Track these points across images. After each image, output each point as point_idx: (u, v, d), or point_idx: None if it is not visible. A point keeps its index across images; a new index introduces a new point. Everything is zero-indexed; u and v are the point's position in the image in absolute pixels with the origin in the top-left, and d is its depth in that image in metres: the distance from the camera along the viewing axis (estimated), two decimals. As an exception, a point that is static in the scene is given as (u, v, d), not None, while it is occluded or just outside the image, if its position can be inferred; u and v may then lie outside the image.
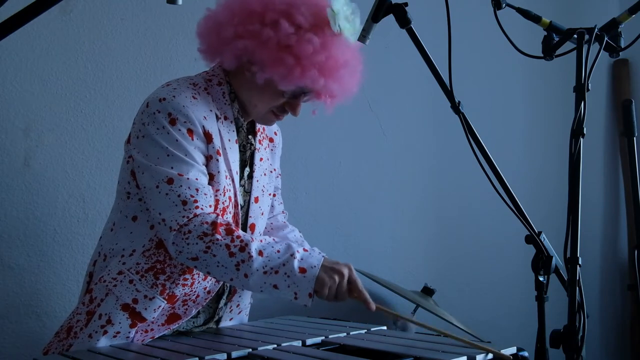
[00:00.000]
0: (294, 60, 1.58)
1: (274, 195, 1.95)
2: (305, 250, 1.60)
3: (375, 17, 1.50)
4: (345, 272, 1.60)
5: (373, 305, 1.62)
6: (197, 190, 1.58)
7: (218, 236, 1.54)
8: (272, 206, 1.96)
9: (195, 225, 1.55)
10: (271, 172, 1.87)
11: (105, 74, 2.24)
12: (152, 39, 2.33)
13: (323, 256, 1.60)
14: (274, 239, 1.62)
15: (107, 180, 2.20)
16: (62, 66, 2.16)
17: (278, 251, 1.57)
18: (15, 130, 2.09)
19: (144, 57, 2.31)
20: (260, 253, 1.55)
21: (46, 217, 2.14)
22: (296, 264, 1.55)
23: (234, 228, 1.58)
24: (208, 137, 1.63)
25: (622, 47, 1.71)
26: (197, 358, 1.48)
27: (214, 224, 1.55)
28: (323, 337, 1.71)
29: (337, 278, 1.58)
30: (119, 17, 2.26)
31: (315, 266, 1.56)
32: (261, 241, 1.58)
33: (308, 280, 1.55)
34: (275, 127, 1.92)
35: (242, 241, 1.55)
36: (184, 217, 1.56)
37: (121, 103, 2.25)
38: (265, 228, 1.96)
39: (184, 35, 2.37)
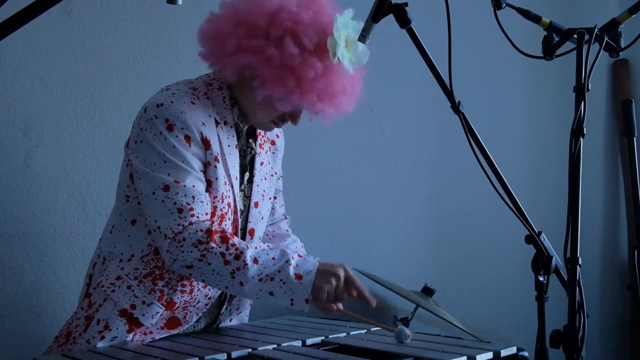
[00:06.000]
0: (295, 82, 1.57)
1: (275, 197, 1.94)
2: (300, 256, 1.59)
3: (375, 17, 1.49)
4: (341, 273, 1.60)
5: (374, 302, 1.63)
6: (193, 197, 1.57)
7: (213, 244, 1.54)
8: (273, 208, 1.95)
9: (189, 233, 1.55)
10: (272, 175, 1.86)
11: (105, 74, 2.24)
12: (152, 39, 2.33)
13: (318, 260, 1.60)
14: (268, 246, 1.62)
15: (107, 180, 2.20)
16: (62, 66, 2.16)
17: (273, 258, 1.57)
18: (15, 130, 2.09)
19: (144, 57, 2.31)
20: (255, 260, 1.55)
21: (46, 217, 2.14)
22: (292, 270, 1.55)
23: (228, 236, 1.57)
24: (206, 144, 1.62)
25: (622, 47, 1.70)
26: (197, 358, 1.48)
27: (208, 232, 1.55)
28: (323, 337, 1.71)
29: (334, 281, 1.58)
30: (119, 17, 2.26)
31: (310, 271, 1.56)
32: (256, 248, 1.58)
33: (304, 287, 1.55)
34: (277, 129, 1.91)
35: (237, 249, 1.55)
36: (179, 225, 1.55)
37: (121, 103, 2.25)
38: (267, 235, 1.95)
39: (184, 35, 2.37)
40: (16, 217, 2.09)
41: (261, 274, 1.55)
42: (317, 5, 1.62)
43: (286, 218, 2.03)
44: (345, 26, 1.59)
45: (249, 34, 1.58)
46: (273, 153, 1.88)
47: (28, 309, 2.10)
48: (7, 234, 2.08)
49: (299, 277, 1.55)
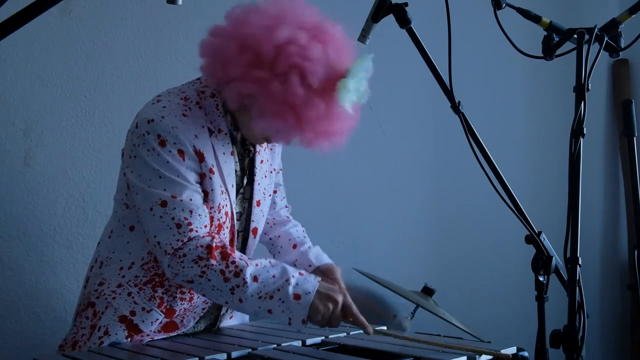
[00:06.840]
0: (295, 120, 1.53)
1: (275, 192, 1.95)
2: (300, 274, 1.59)
3: (375, 17, 1.49)
4: (340, 299, 1.59)
5: (371, 329, 1.63)
6: (191, 212, 1.56)
7: (213, 261, 1.54)
8: (274, 202, 1.96)
9: (190, 249, 1.55)
10: (271, 172, 1.86)
11: (105, 74, 2.24)
12: (152, 39, 2.33)
13: (318, 281, 1.59)
14: (270, 262, 1.60)
15: (107, 180, 2.20)
16: (62, 66, 2.16)
17: (273, 276, 1.56)
18: (15, 130, 2.09)
19: (144, 57, 2.31)
20: (255, 279, 1.55)
21: (46, 217, 2.14)
22: (291, 290, 1.55)
23: (229, 252, 1.57)
24: (200, 156, 1.60)
25: (622, 47, 1.70)
26: (197, 358, 1.48)
27: (209, 248, 1.54)
28: (323, 337, 1.71)
29: (331, 306, 1.57)
30: (119, 17, 2.26)
31: (309, 292, 1.56)
32: (257, 265, 1.57)
33: (302, 307, 1.55)
34: None
35: (236, 267, 1.55)
36: (178, 240, 1.55)
37: (121, 103, 2.25)
38: (268, 224, 1.95)
39: (184, 35, 2.37)
40: (16, 217, 2.09)
41: (260, 292, 1.55)
42: (329, 37, 1.56)
43: (287, 207, 2.04)
44: (356, 76, 1.54)
45: (254, 63, 1.53)
46: (271, 149, 1.87)
47: (28, 309, 2.10)
48: (7, 234, 2.08)
49: (297, 297, 1.55)
